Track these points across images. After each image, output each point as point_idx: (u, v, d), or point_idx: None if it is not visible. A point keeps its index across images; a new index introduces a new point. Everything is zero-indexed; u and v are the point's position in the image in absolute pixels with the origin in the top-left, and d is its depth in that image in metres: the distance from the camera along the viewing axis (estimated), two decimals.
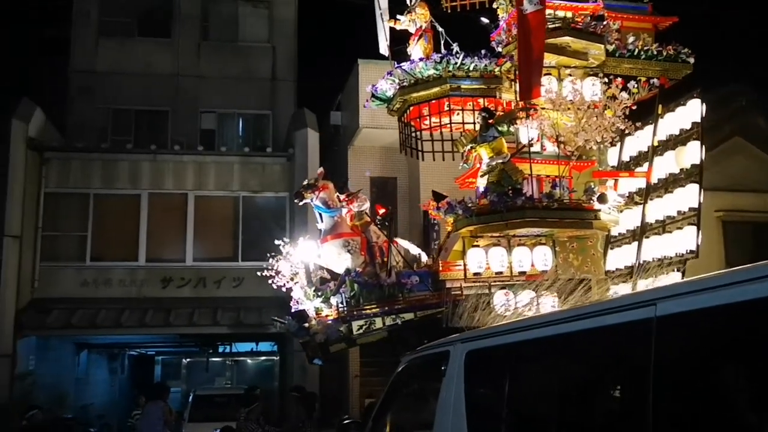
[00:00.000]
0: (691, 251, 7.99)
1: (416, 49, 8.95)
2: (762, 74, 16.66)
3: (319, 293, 8.24)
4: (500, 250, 8.27)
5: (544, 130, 8.39)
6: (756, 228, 14.97)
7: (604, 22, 8.44)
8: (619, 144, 9.10)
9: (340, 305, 8.06)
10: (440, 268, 8.43)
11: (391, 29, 9.21)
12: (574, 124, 8.25)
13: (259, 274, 8.92)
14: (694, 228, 8.00)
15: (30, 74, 18.60)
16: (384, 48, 9.12)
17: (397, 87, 8.77)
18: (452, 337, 4.70)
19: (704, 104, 8.25)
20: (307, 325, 8.22)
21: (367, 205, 8.92)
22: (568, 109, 8.20)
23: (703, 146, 8.18)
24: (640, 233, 8.36)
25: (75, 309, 15.70)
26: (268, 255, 8.89)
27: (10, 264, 15.03)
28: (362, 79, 14.80)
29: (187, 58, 18.86)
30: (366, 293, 8.12)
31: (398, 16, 9.09)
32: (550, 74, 8.49)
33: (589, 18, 8.52)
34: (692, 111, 8.28)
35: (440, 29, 8.95)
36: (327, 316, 8.12)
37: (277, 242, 8.87)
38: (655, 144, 8.54)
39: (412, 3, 9.02)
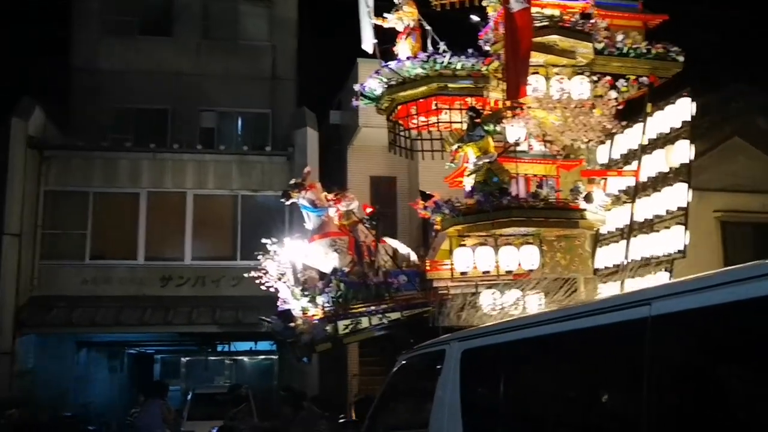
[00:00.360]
0: (679, 251, 7.94)
1: (403, 47, 8.93)
2: (761, 74, 16.54)
3: (306, 293, 8.24)
4: (487, 249, 8.25)
5: (530, 130, 8.35)
6: (755, 228, 14.85)
7: (592, 21, 8.39)
8: (608, 142, 9.04)
9: (326, 305, 8.05)
10: (428, 268, 8.41)
11: (379, 27, 9.18)
12: (561, 123, 8.21)
13: (245, 275, 8.93)
14: (682, 227, 7.93)
15: (30, 73, 18.70)
16: (369, 46, 9.10)
17: (385, 86, 8.76)
18: (448, 336, 4.74)
19: (694, 103, 8.17)
20: (293, 324, 8.22)
21: (355, 204, 8.92)
22: (555, 108, 8.16)
23: (693, 145, 8.12)
24: (628, 232, 8.31)
25: (75, 307, 15.80)
26: (256, 254, 8.90)
27: (9, 262, 15.14)
28: (362, 78, 14.68)
29: (188, 56, 18.91)
30: (352, 293, 8.12)
31: (385, 14, 9.08)
32: (537, 73, 8.44)
33: (577, 16, 8.46)
34: (682, 109, 8.22)
35: (428, 28, 8.92)
36: (313, 315, 8.13)
37: (264, 241, 8.88)
38: (645, 142, 8.48)
39: (400, 1, 9.00)
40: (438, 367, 4.44)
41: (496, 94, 8.58)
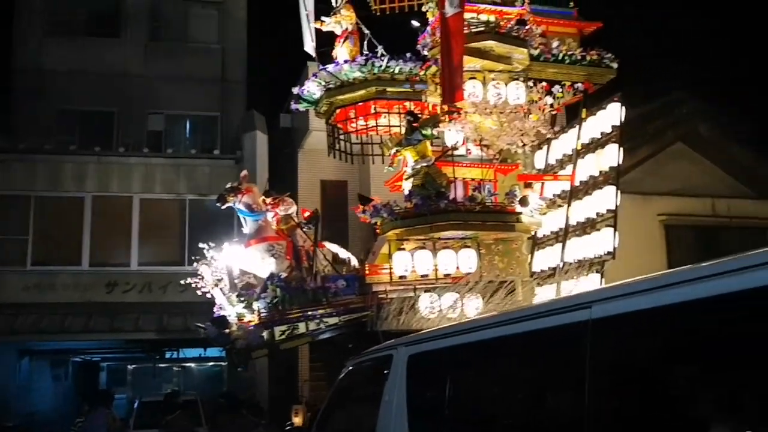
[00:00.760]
0: (609, 252, 8.10)
1: (342, 51, 8.92)
2: (703, 81, 17.04)
3: (242, 299, 8.13)
4: (426, 253, 8.28)
5: (467, 134, 8.42)
6: (698, 231, 15.27)
7: (527, 27, 8.51)
8: (545, 147, 9.18)
9: (262, 311, 7.96)
10: (367, 272, 8.40)
11: (319, 30, 9.16)
12: (497, 128, 8.30)
13: (182, 282, 8.80)
14: (611, 230, 8.10)
15: None
16: (309, 48, 9.06)
17: (324, 89, 8.73)
18: (395, 341, 4.70)
19: (624, 108, 8.36)
20: (227, 331, 8.11)
21: (293, 209, 8.85)
22: (491, 112, 8.25)
23: (621, 149, 8.29)
24: (563, 235, 8.45)
25: (17, 314, 15.34)
26: (194, 260, 8.77)
27: None
28: None
29: (135, 58, 18.54)
30: (289, 298, 8.05)
31: (323, 18, 9.05)
32: (475, 78, 8.53)
33: (513, 22, 8.57)
34: (612, 115, 8.40)
35: (366, 31, 8.93)
36: (249, 321, 8.03)
37: (202, 246, 8.75)
38: (579, 147, 8.63)
39: (338, 5, 8.99)
40: (385, 372, 4.46)
41: (434, 99, 8.63)
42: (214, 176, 17.13)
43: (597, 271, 8.23)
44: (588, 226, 8.58)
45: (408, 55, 8.56)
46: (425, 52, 8.72)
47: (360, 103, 8.66)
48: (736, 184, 15.39)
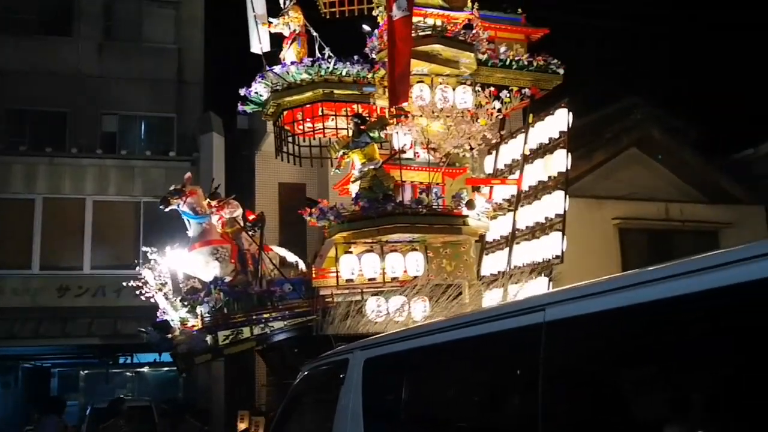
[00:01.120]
0: (557, 256, 8.15)
1: (289, 52, 8.83)
2: (656, 87, 17.35)
3: (186, 303, 7.98)
4: (373, 256, 8.23)
5: (414, 137, 8.41)
6: (651, 235, 15.52)
7: (473, 31, 8.53)
8: (494, 152, 9.21)
9: (205, 315, 7.82)
10: (314, 275, 8.32)
11: (267, 32, 9.04)
12: (443, 131, 8.30)
13: (124, 284, 8.60)
14: (560, 234, 8.15)
15: None
16: (256, 49, 8.96)
17: (271, 91, 8.62)
18: (351, 345, 4.69)
19: (571, 113, 8.43)
20: (170, 336, 7.95)
21: (239, 212, 8.72)
22: (438, 116, 8.25)
23: (569, 154, 8.36)
24: (510, 239, 8.48)
25: None
26: (135, 263, 8.58)
27: None
28: None
29: (89, 57, 18.13)
30: (233, 302, 7.92)
31: (271, 19, 8.95)
32: (423, 82, 8.52)
33: (461, 27, 8.59)
34: (560, 120, 8.46)
35: (315, 33, 8.86)
36: (193, 326, 7.87)
37: (145, 249, 8.57)
38: (526, 152, 8.68)
39: (286, 6, 8.90)
40: (341, 376, 4.44)
41: (382, 102, 8.59)
42: (170, 178, 16.76)
43: (545, 275, 8.26)
44: (537, 230, 8.63)
45: (356, 57, 8.51)
46: (373, 56, 8.68)
47: (307, 105, 8.58)
48: (688, 189, 15.69)
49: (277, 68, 8.53)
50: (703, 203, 15.33)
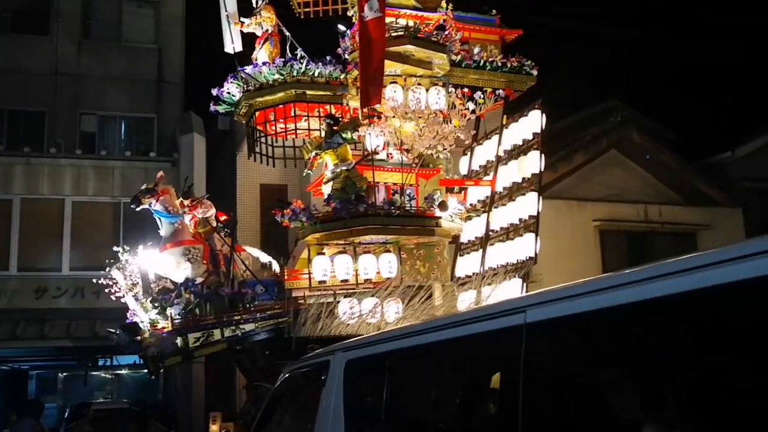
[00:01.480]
0: (530, 258, 8.15)
1: (261, 53, 8.78)
2: (637, 92, 17.44)
3: (156, 304, 7.89)
4: (346, 257, 8.19)
5: (387, 138, 8.38)
6: (631, 237, 15.62)
7: (446, 32, 8.51)
8: (469, 153, 9.20)
9: (175, 317, 7.74)
10: (286, 277, 8.26)
11: (240, 31, 8.98)
12: (415, 132, 8.28)
13: (95, 281, 8.51)
14: (533, 235, 8.15)
15: None
16: (229, 49, 8.89)
17: (242, 91, 8.56)
18: (333, 347, 4.67)
19: (545, 115, 8.43)
20: (139, 338, 7.86)
21: (212, 212, 8.64)
22: (410, 117, 8.22)
23: (543, 155, 8.36)
24: (484, 241, 8.46)
25: None
26: (107, 263, 8.49)
27: None
28: None
29: (67, 56, 17.96)
30: (203, 304, 7.85)
31: (243, 19, 8.89)
32: (395, 83, 8.49)
33: (434, 28, 8.57)
34: (534, 122, 8.46)
35: (287, 34, 8.80)
36: (163, 328, 7.79)
37: (116, 249, 8.48)
38: (500, 154, 8.67)
39: (258, 6, 8.84)
40: (322, 378, 4.43)
41: (355, 103, 8.55)
42: (150, 179, 16.59)
43: (519, 276, 8.26)
44: (511, 232, 8.62)
45: (328, 58, 8.47)
46: (346, 56, 8.64)
47: (279, 106, 8.52)
48: (666, 191, 15.79)
49: (248, 68, 8.47)
50: (681, 205, 15.44)
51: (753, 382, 1.86)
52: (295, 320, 7.77)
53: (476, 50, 8.81)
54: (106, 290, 8.40)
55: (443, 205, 8.13)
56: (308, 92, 8.40)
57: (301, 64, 8.30)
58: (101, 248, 16.72)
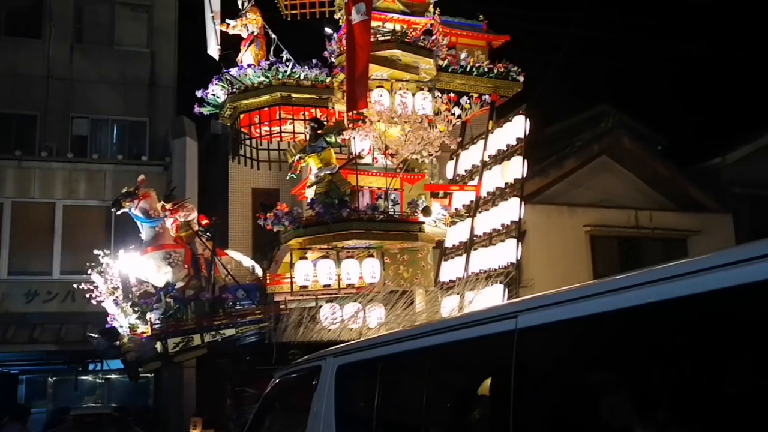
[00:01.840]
0: (512, 263, 8.09)
1: (247, 54, 8.74)
2: (627, 98, 17.43)
3: (137, 309, 7.83)
4: (328, 262, 8.14)
5: (372, 142, 8.34)
6: (621, 242, 15.57)
7: (433, 37, 8.48)
8: (455, 158, 9.16)
9: (155, 322, 7.67)
10: (268, 281, 8.21)
11: (227, 33, 8.95)
12: (400, 137, 8.24)
13: (75, 286, 8.44)
14: (515, 240, 8.10)
15: None
16: (213, 51, 8.85)
17: (227, 93, 8.52)
18: (324, 351, 4.62)
19: (528, 120, 8.40)
20: (118, 343, 7.79)
21: (194, 216, 8.58)
22: (396, 122, 8.18)
23: (525, 161, 8.31)
24: (467, 246, 8.41)
25: None
26: (87, 267, 8.43)
27: None
28: None
29: (59, 60, 17.90)
30: (183, 309, 7.78)
31: (228, 21, 8.85)
32: (382, 87, 8.45)
33: (421, 32, 8.54)
34: (518, 127, 8.42)
35: (273, 36, 8.77)
36: (143, 333, 7.72)
37: (97, 252, 8.42)
38: (486, 159, 8.63)
39: (244, 8, 8.80)
40: (313, 383, 4.42)
41: (340, 106, 8.52)
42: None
43: (501, 282, 8.20)
44: (494, 237, 8.57)
45: (314, 61, 8.43)
46: (333, 60, 8.61)
47: (265, 109, 8.48)
48: (657, 197, 15.75)
49: (234, 70, 8.43)
50: (672, 211, 15.40)
51: (746, 385, 1.87)
52: (276, 325, 7.71)
53: (463, 55, 8.79)
54: (87, 295, 8.32)
55: (427, 211, 8.08)
56: (294, 95, 8.36)
57: (287, 66, 8.27)
58: (92, 252, 16.72)
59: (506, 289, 8.10)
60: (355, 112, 8.05)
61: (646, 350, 2.21)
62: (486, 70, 8.82)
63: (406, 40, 8.33)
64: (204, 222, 8.71)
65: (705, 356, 2.00)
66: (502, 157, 8.56)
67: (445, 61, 8.72)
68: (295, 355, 7.62)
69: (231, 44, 9.01)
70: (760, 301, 1.79)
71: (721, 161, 15.72)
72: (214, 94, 8.61)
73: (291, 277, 8.05)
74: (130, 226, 16.10)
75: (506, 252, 8.22)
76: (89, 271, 8.36)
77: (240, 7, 8.91)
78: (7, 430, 10.97)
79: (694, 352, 2.04)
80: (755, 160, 15.63)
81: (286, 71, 8.27)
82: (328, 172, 8.14)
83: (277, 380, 5.23)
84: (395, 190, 8.69)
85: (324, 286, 8.07)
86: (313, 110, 8.54)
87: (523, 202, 8.17)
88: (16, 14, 17.67)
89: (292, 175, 8.51)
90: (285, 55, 8.49)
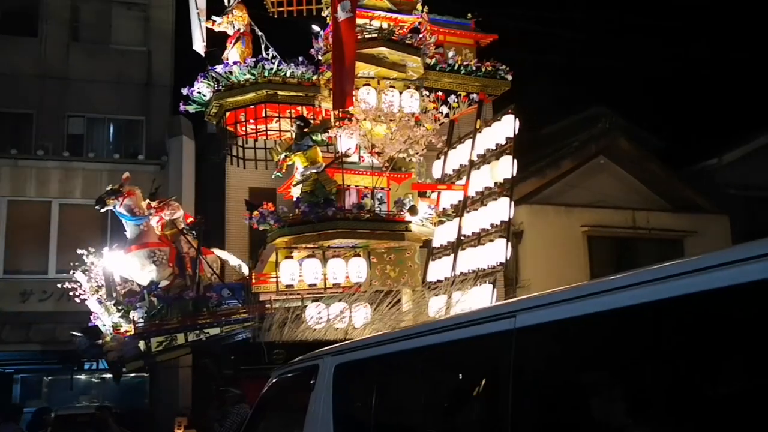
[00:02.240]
0: (501, 263, 8.02)
1: (233, 52, 8.68)
2: (623, 99, 17.34)
3: (120, 307, 7.77)
4: (314, 261, 8.07)
5: (359, 141, 8.27)
6: (618, 242, 15.54)
7: (420, 35, 8.41)
8: (443, 157, 9.08)
9: (138, 321, 7.61)
10: (253, 281, 8.14)
11: (213, 30, 8.89)
12: (386, 135, 8.16)
13: (59, 285, 8.39)
14: (504, 240, 8.02)
15: None
16: (199, 48, 8.80)
17: (213, 91, 8.46)
18: (322, 351, 4.59)
19: (518, 120, 8.31)
20: (100, 342, 7.73)
21: (179, 214, 8.53)
22: (382, 120, 8.11)
23: (515, 160, 8.23)
24: (455, 246, 8.34)
25: None
26: (71, 265, 8.38)
27: None
28: None
29: (55, 59, 17.87)
30: (167, 307, 7.72)
31: (214, 18, 8.80)
32: (369, 85, 8.38)
33: (408, 30, 8.46)
34: (507, 126, 8.34)
35: (260, 33, 8.70)
36: (126, 332, 7.66)
37: (81, 251, 8.37)
38: (474, 158, 8.55)
39: (230, 5, 8.74)
40: (311, 382, 4.39)
41: (327, 104, 8.45)
42: (139, 182, 16.49)
43: (489, 282, 8.13)
44: (483, 237, 8.50)
45: (300, 58, 8.36)
46: (319, 57, 8.54)
47: (251, 106, 8.41)
48: (654, 197, 15.70)
49: (219, 68, 8.37)
50: (668, 212, 15.34)
51: (750, 383, 1.86)
52: (261, 325, 7.65)
53: (451, 54, 8.71)
54: (71, 293, 8.28)
55: (413, 210, 8.01)
56: (280, 93, 8.30)
57: (273, 64, 8.20)
58: (88, 252, 16.69)
59: (495, 289, 8.04)
60: (341, 110, 7.97)
61: (644, 350, 2.22)
62: (474, 68, 8.75)
63: (392, 37, 8.26)
64: (189, 220, 8.64)
65: (705, 355, 2.01)
66: (490, 156, 8.47)
67: (433, 60, 8.65)
68: (279, 355, 7.57)
69: (217, 41, 8.95)
70: (755, 301, 1.81)
71: (717, 162, 15.63)
72: (199, 92, 8.55)
73: (276, 277, 7.98)
74: (125, 226, 16.17)
75: (495, 252, 8.15)
76: (71, 270, 8.29)
77: (226, 4, 8.84)
78: (2, 429, 10.94)
79: (693, 352, 2.04)
80: (751, 162, 15.54)
81: (272, 68, 8.21)
82: (314, 170, 8.07)
83: (275, 380, 5.21)
84: (382, 189, 8.61)
85: (310, 285, 8.01)
86: (299, 108, 8.47)
87: (512, 202, 8.09)
88: (11, 13, 17.65)
89: (278, 173, 8.44)
90: (271, 52, 8.42)
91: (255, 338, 7.69)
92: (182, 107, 8.89)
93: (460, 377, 3.31)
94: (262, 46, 8.70)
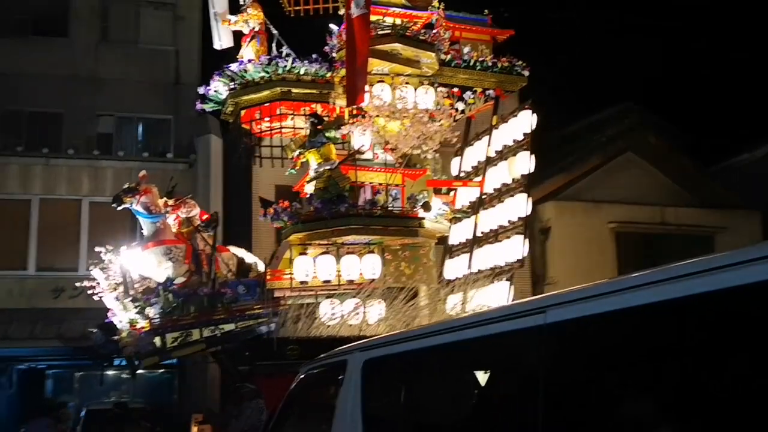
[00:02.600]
0: (518, 260, 7.91)
1: (248, 50, 8.71)
2: (652, 94, 16.98)
3: (137, 304, 7.86)
4: (328, 258, 8.06)
5: (372, 137, 8.22)
6: (646, 238, 15.29)
7: (434, 31, 8.32)
8: (461, 154, 8.99)
9: (154, 317, 7.69)
10: (268, 277, 8.17)
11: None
12: (400, 132, 8.11)
13: (77, 285, 8.52)
14: (521, 237, 7.90)
15: None
16: (218, 46, 8.86)
17: (229, 89, 8.51)
18: (350, 346, 4.58)
19: (535, 115, 8.18)
20: (116, 337, 7.84)
21: (196, 212, 8.59)
22: (396, 116, 8.05)
23: (533, 156, 8.11)
24: (471, 243, 8.25)
25: None
26: (89, 263, 8.50)
27: None
28: None
29: (85, 58, 18.21)
30: (182, 304, 7.78)
31: (229, 16, 8.84)
32: (383, 81, 8.32)
33: (422, 27, 8.39)
34: (524, 122, 8.22)
35: (275, 31, 8.72)
36: (142, 328, 7.75)
37: (99, 249, 8.49)
38: (491, 154, 8.44)
39: (244, 3, 8.78)
40: (339, 378, 4.35)
41: (341, 102, 8.42)
42: (167, 180, 16.76)
43: (507, 279, 8.03)
44: (500, 234, 8.39)
45: (314, 56, 8.35)
46: (333, 54, 8.52)
47: (265, 104, 8.43)
48: (683, 193, 15.37)
49: (233, 66, 8.41)
50: (698, 207, 14.99)
51: None
52: (275, 321, 7.67)
53: (466, 50, 8.60)
54: (88, 291, 8.41)
55: (426, 206, 7.94)
56: (294, 90, 8.31)
57: (287, 62, 8.21)
58: (117, 249, 16.98)
59: (512, 286, 7.93)
60: (354, 107, 7.94)
61: (675, 347, 2.18)
62: (490, 64, 8.63)
63: (406, 34, 8.19)
64: (204, 217, 8.71)
65: (744, 350, 1.96)
66: (507, 152, 8.36)
67: (448, 56, 8.55)
68: (293, 351, 7.59)
69: (236, 39, 8.98)
70: None
71: (749, 157, 15.20)
72: (216, 91, 8.61)
73: (290, 273, 7.99)
74: None
75: (512, 249, 8.03)
76: (89, 268, 8.43)
77: (241, 2, 8.88)
78: (38, 422, 11.20)
79: (730, 347, 2.00)
80: None
81: (286, 66, 8.22)
82: (328, 167, 8.06)
83: (302, 375, 5.18)
84: (396, 185, 8.56)
85: (324, 281, 7.99)
86: (313, 105, 8.47)
87: (530, 198, 7.97)
88: (43, 14, 18.02)
89: (292, 171, 8.45)
90: (285, 50, 8.43)
91: (270, 334, 7.71)
92: (199, 106, 8.97)
93: (493, 373, 3.27)
94: (273, 44, 8.71)
